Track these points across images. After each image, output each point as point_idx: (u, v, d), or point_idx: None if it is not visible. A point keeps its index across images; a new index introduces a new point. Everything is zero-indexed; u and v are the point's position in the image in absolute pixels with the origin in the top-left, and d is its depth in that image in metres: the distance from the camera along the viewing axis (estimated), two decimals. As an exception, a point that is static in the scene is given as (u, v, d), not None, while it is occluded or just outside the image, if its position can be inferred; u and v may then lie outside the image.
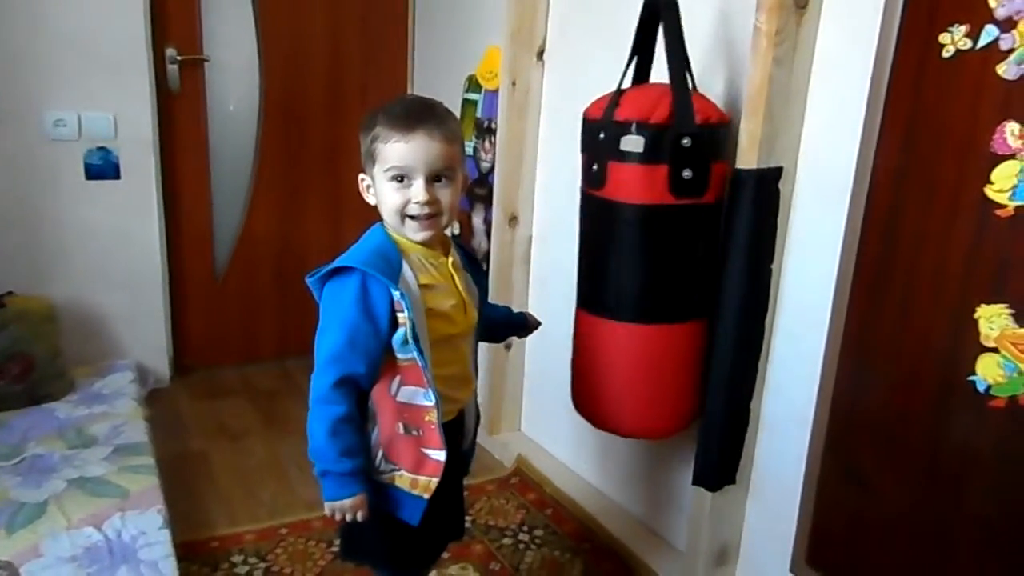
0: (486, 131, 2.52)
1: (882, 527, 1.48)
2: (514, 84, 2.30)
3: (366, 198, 1.32)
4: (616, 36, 2.03)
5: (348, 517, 1.24)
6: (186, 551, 1.81)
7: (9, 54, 2.38)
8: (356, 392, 1.24)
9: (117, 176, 2.60)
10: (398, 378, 1.27)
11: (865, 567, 1.52)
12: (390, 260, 1.24)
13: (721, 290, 1.60)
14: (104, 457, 2.01)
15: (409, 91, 3.08)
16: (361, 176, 1.31)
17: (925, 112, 1.32)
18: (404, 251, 1.27)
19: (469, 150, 2.61)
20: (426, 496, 1.28)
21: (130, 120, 2.58)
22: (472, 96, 2.59)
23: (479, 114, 2.56)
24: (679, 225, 1.55)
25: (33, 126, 2.46)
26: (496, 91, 2.40)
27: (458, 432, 1.40)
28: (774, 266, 1.60)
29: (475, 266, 1.46)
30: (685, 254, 1.58)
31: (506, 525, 2.10)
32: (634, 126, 1.50)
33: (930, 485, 1.38)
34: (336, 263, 1.24)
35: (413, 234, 1.27)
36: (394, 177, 1.24)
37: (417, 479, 1.28)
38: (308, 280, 1.27)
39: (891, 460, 1.45)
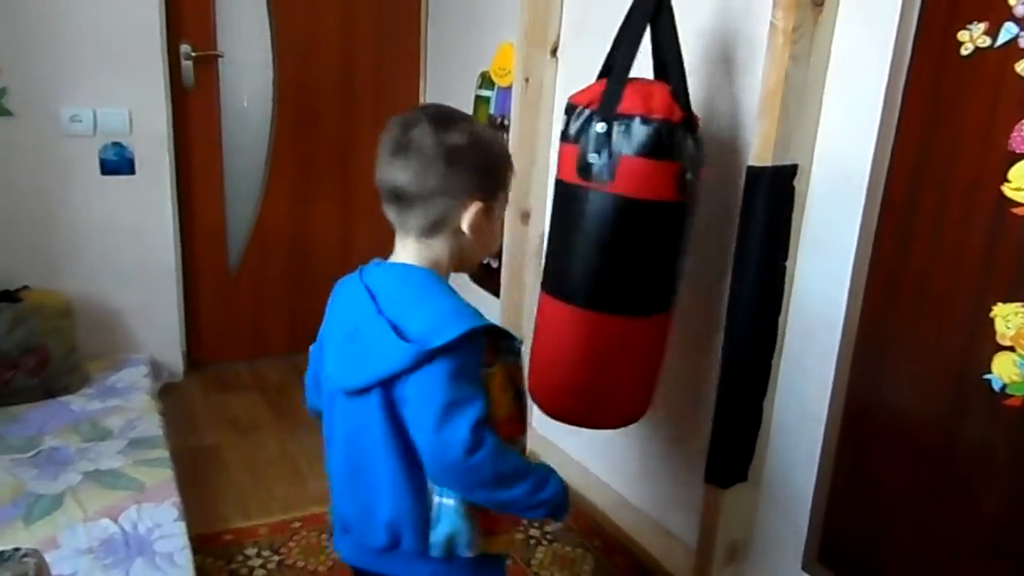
0: (499, 128, 2.53)
1: (895, 525, 1.48)
2: (527, 81, 2.30)
3: (466, 230, 1.10)
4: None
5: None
6: (200, 544, 1.82)
7: (26, 50, 2.40)
8: None
9: (132, 171, 2.62)
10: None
11: (877, 565, 1.52)
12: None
13: (735, 288, 1.60)
14: (119, 450, 2.03)
15: (422, 87, 3.09)
16: (480, 203, 1.09)
17: (943, 110, 1.31)
18: None
19: (481, 147, 2.61)
20: (508, 551, 1.28)
21: (145, 116, 2.60)
22: (485, 93, 2.60)
23: (492, 111, 2.56)
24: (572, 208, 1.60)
25: (49, 122, 2.48)
26: (509, 88, 2.41)
27: None
28: (788, 264, 1.59)
29: None
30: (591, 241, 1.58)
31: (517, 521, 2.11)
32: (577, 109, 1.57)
33: (943, 484, 1.38)
34: (454, 331, 0.99)
35: (477, 264, 1.18)
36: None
37: (491, 540, 1.14)
38: (407, 349, 1.00)
39: (904, 458, 1.44)
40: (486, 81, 2.59)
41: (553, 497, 1.08)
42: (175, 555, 1.63)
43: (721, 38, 1.73)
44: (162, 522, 1.73)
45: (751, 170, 1.53)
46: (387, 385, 1.02)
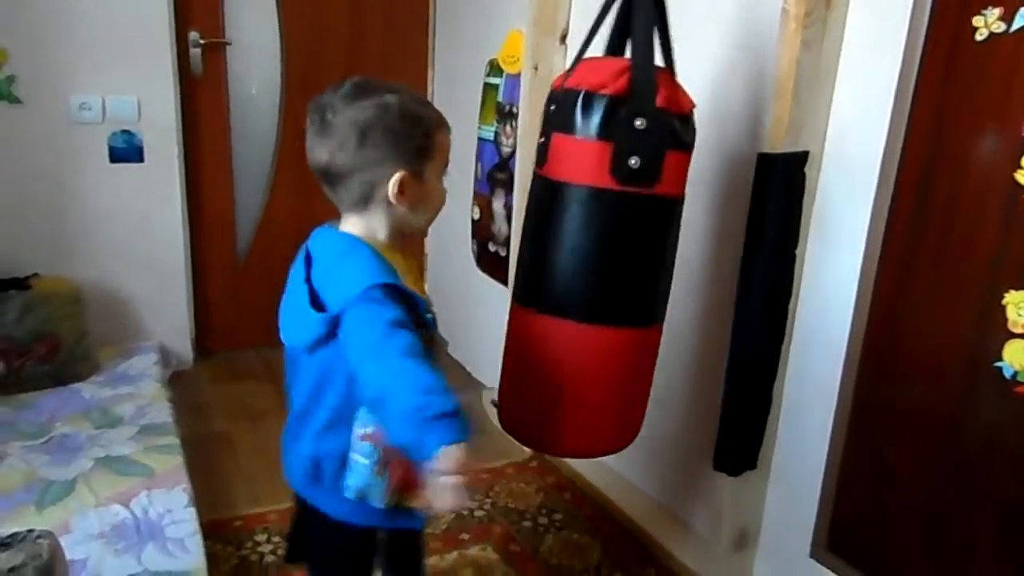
0: (507, 115, 2.52)
1: (904, 513, 1.48)
2: (536, 68, 2.29)
3: (393, 201, 1.11)
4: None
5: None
6: (211, 530, 1.83)
7: (35, 38, 2.40)
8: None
9: (141, 159, 2.62)
10: None
11: (886, 553, 1.52)
12: (390, 268, 1.12)
13: (745, 274, 1.59)
14: (130, 437, 2.04)
15: (430, 75, 3.08)
16: (400, 176, 1.10)
17: (956, 96, 1.31)
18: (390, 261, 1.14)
19: (490, 135, 2.60)
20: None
21: (153, 103, 2.60)
22: (493, 80, 2.59)
23: (500, 98, 2.56)
24: (621, 214, 1.36)
25: (58, 109, 2.48)
26: (518, 75, 2.40)
27: None
28: (798, 251, 1.59)
29: None
30: (626, 249, 1.38)
31: (525, 508, 2.11)
32: (582, 95, 1.33)
33: (953, 471, 1.38)
34: (359, 287, 1.05)
35: (426, 227, 1.21)
36: (446, 173, 1.17)
37: (404, 494, 1.16)
38: (318, 319, 1.07)
39: (914, 446, 1.44)
40: (495, 69, 2.58)
41: (445, 406, 0.95)
42: (186, 540, 1.64)
43: (736, 23, 1.72)
44: (172, 508, 1.74)
45: (762, 157, 1.53)
46: (323, 343, 1.07)
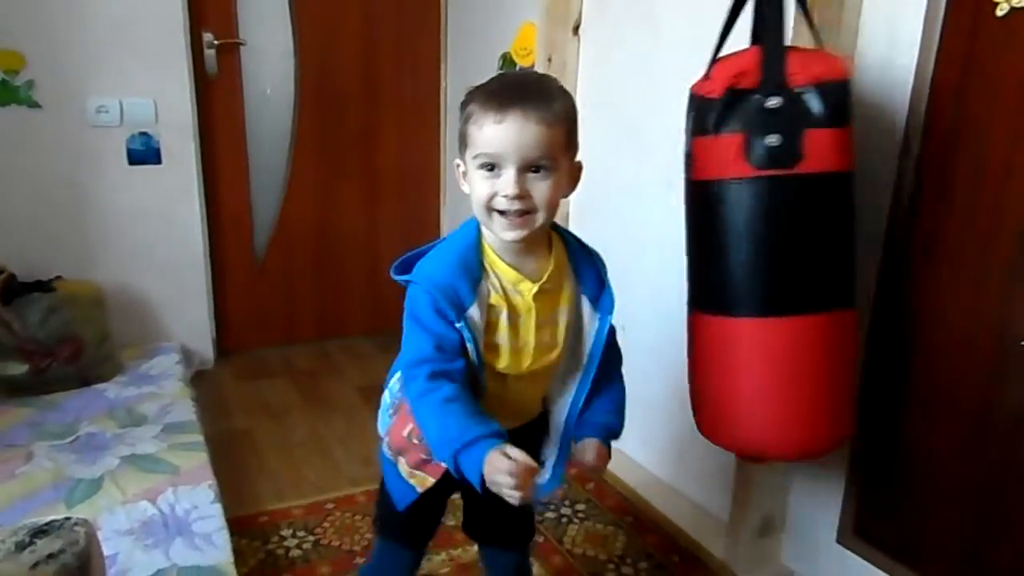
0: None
1: (932, 496, 1.46)
2: (550, 60, 2.29)
3: (461, 186, 1.15)
4: (652, 10, 2.02)
5: (511, 484, 0.96)
6: (237, 526, 1.84)
7: (52, 42, 2.43)
8: (453, 381, 1.08)
9: (158, 161, 2.65)
10: None
11: (915, 537, 1.51)
12: (471, 272, 1.11)
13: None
14: (154, 435, 2.06)
15: (443, 70, 3.09)
16: (456, 162, 1.15)
17: (977, 72, 1.29)
18: (490, 264, 1.13)
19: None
20: (420, 489, 1.23)
21: (170, 105, 2.62)
22: (507, 74, 2.59)
23: (514, 91, 2.55)
24: (763, 201, 1.29)
25: (77, 113, 2.51)
26: (531, 68, 2.40)
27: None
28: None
29: (599, 292, 1.20)
30: (785, 233, 1.30)
31: (547, 499, 2.11)
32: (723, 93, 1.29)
33: (981, 452, 1.37)
34: (412, 275, 1.12)
35: (502, 232, 1.09)
36: (483, 165, 1.07)
37: (414, 472, 1.23)
38: (393, 274, 1.16)
39: (942, 427, 1.43)
40: (507, 62, 2.58)
41: (444, 456, 1.05)
42: (213, 535, 1.65)
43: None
44: (199, 504, 1.75)
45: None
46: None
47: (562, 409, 1.25)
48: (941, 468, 1.44)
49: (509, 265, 1.13)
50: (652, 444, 2.18)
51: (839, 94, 1.27)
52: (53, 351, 2.30)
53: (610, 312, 1.19)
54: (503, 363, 1.15)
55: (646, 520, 2.03)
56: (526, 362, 1.16)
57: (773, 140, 1.25)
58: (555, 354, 1.19)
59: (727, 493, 1.82)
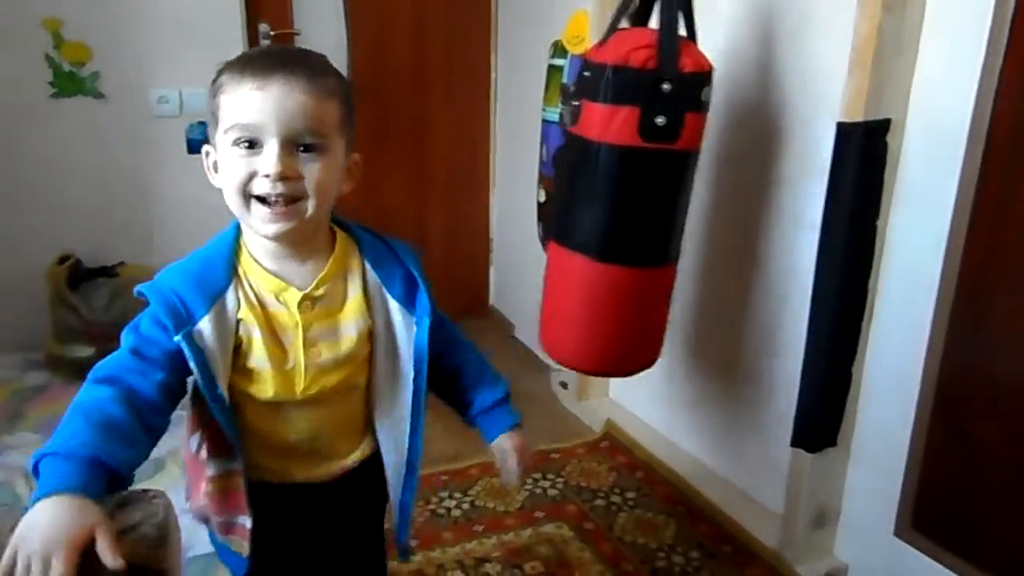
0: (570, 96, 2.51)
1: (992, 489, 1.44)
2: (602, 47, 2.28)
3: (212, 179, 0.94)
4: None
5: (26, 556, 0.71)
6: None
7: (116, 35, 2.50)
8: (120, 388, 0.91)
9: (216, 150, 2.70)
10: (197, 435, 1.02)
11: (974, 531, 1.48)
12: (211, 281, 0.93)
13: (823, 246, 1.56)
14: (214, 416, 2.11)
15: (493, 60, 3.09)
16: (205, 149, 0.94)
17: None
18: (245, 271, 0.95)
19: (555, 117, 2.60)
20: (243, 554, 1.01)
21: (227, 95, 2.67)
22: (558, 62, 2.58)
23: (565, 80, 2.55)
24: (643, 168, 1.57)
25: (139, 103, 2.57)
26: (583, 56, 2.39)
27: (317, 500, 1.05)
28: (880, 223, 1.55)
29: (412, 291, 1.02)
30: (650, 198, 1.60)
31: (598, 487, 2.12)
32: (610, 70, 1.52)
33: (1049, 446, 1.33)
34: (144, 284, 0.96)
35: (262, 226, 0.89)
36: (238, 140, 0.87)
37: (227, 537, 1.05)
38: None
39: (1002, 422, 1.40)
40: (559, 50, 2.58)
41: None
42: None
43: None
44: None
45: (841, 127, 1.49)
46: None
47: (395, 447, 1.04)
48: (1001, 460, 1.41)
49: (269, 272, 0.94)
50: (704, 435, 2.17)
51: (709, 83, 1.56)
52: (116, 334, 2.36)
53: (429, 312, 1.00)
54: (269, 390, 0.95)
55: (697, 509, 2.02)
56: (299, 386, 0.95)
57: (661, 120, 1.50)
58: (343, 375, 0.98)
59: (781, 484, 1.80)
